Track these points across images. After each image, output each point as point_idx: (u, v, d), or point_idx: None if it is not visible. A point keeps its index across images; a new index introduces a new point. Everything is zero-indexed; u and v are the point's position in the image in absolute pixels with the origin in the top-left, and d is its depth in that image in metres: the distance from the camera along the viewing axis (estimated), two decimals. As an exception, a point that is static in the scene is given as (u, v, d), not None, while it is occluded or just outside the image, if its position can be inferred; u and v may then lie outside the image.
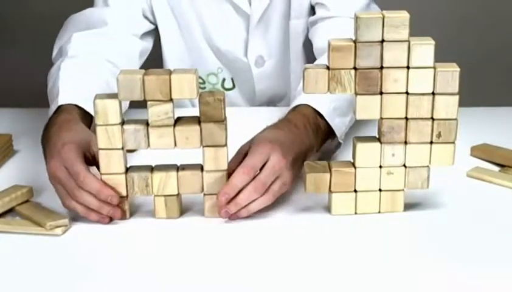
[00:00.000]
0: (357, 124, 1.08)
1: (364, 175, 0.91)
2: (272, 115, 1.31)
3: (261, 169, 0.91)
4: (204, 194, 0.92)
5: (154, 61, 1.40)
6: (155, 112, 0.88)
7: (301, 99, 1.03)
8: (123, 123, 0.89)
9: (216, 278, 0.79)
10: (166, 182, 0.91)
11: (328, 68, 0.87)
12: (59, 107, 1.05)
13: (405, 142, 0.90)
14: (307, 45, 1.36)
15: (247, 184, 0.90)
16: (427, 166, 0.91)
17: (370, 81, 0.87)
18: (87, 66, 1.16)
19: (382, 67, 0.87)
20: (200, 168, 0.91)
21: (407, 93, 0.88)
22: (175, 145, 0.89)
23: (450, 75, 0.87)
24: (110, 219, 0.91)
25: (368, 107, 0.89)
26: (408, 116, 0.89)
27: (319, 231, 0.90)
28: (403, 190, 0.92)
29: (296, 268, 0.81)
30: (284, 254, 0.84)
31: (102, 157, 0.89)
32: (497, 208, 0.95)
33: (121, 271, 0.81)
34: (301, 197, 0.95)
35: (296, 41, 1.36)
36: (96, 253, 0.85)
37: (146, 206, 0.94)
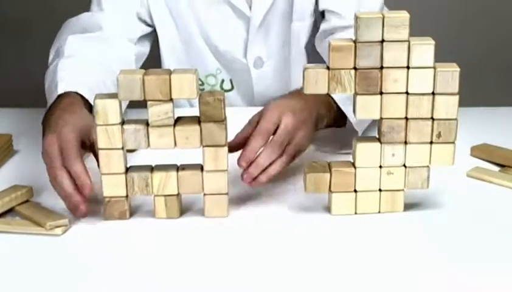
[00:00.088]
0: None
1: (364, 175, 0.91)
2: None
3: (274, 134, 0.94)
4: (204, 194, 0.92)
5: (154, 61, 1.40)
6: (155, 112, 0.88)
7: None
8: (123, 123, 0.89)
9: (216, 278, 0.79)
10: (166, 182, 0.91)
11: (328, 68, 0.87)
12: (61, 95, 1.06)
13: (405, 142, 0.90)
14: (309, 47, 1.36)
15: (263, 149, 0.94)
16: (427, 166, 0.91)
17: (370, 81, 0.87)
18: (84, 64, 1.17)
19: (382, 67, 0.87)
20: (200, 168, 0.91)
21: (407, 93, 0.88)
22: (175, 145, 0.89)
23: (450, 75, 0.87)
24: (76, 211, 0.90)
25: (368, 107, 0.89)
26: (408, 116, 0.89)
27: (319, 231, 0.90)
28: (403, 190, 0.92)
29: (296, 268, 0.81)
30: (284, 254, 0.84)
31: (102, 157, 0.89)
32: (497, 208, 0.95)
33: (121, 271, 0.81)
34: (301, 197, 0.95)
35: (297, 43, 1.35)
36: (96, 253, 0.85)
37: (146, 206, 0.94)
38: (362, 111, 0.89)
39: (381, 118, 0.89)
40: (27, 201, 0.95)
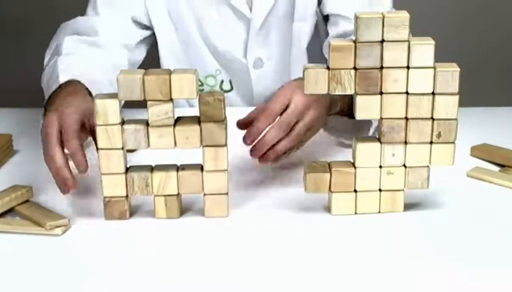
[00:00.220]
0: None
1: (364, 175, 0.91)
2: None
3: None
4: (204, 194, 0.92)
5: (153, 61, 1.40)
6: (155, 112, 0.88)
7: None
8: (123, 123, 0.89)
9: (216, 278, 0.79)
10: (166, 182, 0.91)
11: (328, 68, 0.87)
12: (63, 84, 1.07)
13: (405, 142, 0.90)
14: (311, 47, 1.36)
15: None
16: (427, 166, 0.91)
17: (370, 81, 0.87)
18: (83, 61, 1.19)
19: (382, 67, 0.87)
20: (200, 168, 0.91)
21: (407, 93, 0.88)
22: (175, 145, 0.89)
23: (450, 75, 0.87)
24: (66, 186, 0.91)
25: (368, 107, 0.89)
26: (408, 116, 0.89)
27: (319, 231, 0.90)
28: (403, 190, 0.92)
29: (296, 268, 0.81)
30: (284, 254, 0.84)
31: (102, 157, 0.89)
32: (497, 208, 0.95)
33: (121, 271, 0.81)
34: (301, 197, 0.95)
35: (299, 44, 1.35)
36: (96, 253, 0.85)
37: (146, 206, 0.94)
38: (362, 111, 0.89)
39: (381, 118, 0.89)
40: (27, 201, 0.95)
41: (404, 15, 0.85)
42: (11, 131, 1.17)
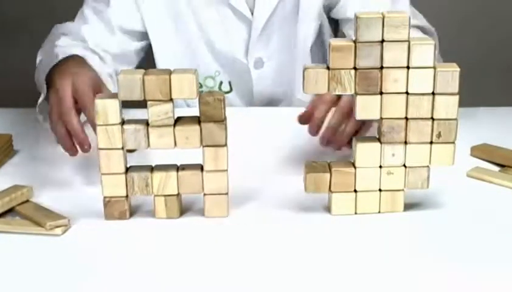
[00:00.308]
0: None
1: (364, 175, 0.91)
2: (272, 115, 1.32)
3: None
4: (204, 194, 0.92)
5: (152, 61, 1.40)
6: (155, 112, 0.88)
7: None
8: (123, 123, 0.89)
9: (216, 278, 0.79)
10: (166, 182, 0.91)
11: (328, 68, 0.87)
12: (63, 60, 1.11)
13: (405, 142, 0.90)
14: (316, 48, 1.36)
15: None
16: (427, 166, 0.91)
17: (370, 81, 0.87)
18: (80, 50, 1.22)
19: (382, 67, 0.87)
20: (200, 168, 0.91)
21: (407, 93, 0.88)
22: (175, 145, 0.89)
23: (450, 75, 0.87)
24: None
25: (368, 107, 0.89)
26: (408, 116, 0.89)
27: (319, 231, 0.90)
28: (403, 190, 0.92)
29: (296, 268, 0.81)
30: (284, 254, 0.84)
31: (102, 157, 0.89)
32: (497, 208, 0.95)
33: (121, 271, 0.81)
34: (301, 197, 0.95)
35: (303, 45, 1.35)
36: (96, 253, 0.85)
37: (146, 206, 0.94)
38: (362, 111, 0.89)
39: (381, 118, 0.89)
40: (27, 201, 0.95)
41: (404, 15, 0.86)
42: (11, 131, 1.17)
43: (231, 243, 0.87)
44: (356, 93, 0.88)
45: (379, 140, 0.90)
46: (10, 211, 0.94)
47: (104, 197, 0.91)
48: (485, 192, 1.00)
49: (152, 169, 0.91)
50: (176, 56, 1.37)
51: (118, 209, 0.92)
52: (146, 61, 1.41)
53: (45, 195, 0.98)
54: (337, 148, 1.03)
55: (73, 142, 1.00)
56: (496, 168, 1.07)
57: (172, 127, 0.88)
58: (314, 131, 1.02)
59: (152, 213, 0.93)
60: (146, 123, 0.89)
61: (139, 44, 1.37)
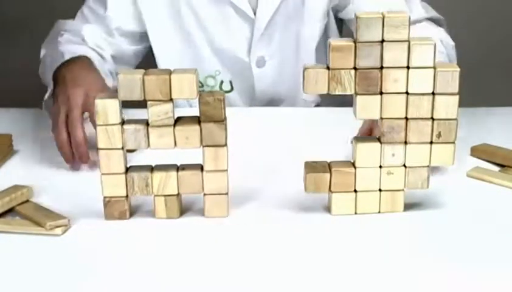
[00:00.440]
0: (357, 124, 1.08)
1: (364, 175, 0.91)
2: (273, 115, 1.32)
3: None
4: (204, 194, 0.92)
5: (152, 61, 1.40)
6: (155, 112, 0.88)
7: None
8: (123, 123, 0.89)
9: (216, 278, 0.79)
10: (166, 182, 0.91)
11: (328, 68, 0.87)
12: (71, 59, 1.15)
13: (405, 142, 0.90)
14: (321, 48, 1.36)
15: None
16: (427, 166, 0.91)
17: (370, 81, 0.87)
18: (83, 49, 1.26)
19: (382, 67, 0.87)
20: (200, 168, 0.91)
21: (407, 93, 0.88)
22: (175, 145, 0.89)
23: (450, 75, 0.87)
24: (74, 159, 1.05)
25: (368, 107, 0.89)
26: (408, 116, 0.89)
27: (319, 231, 0.90)
28: (403, 190, 0.92)
29: (296, 268, 0.81)
30: (284, 254, 0.84)
31: (102, 157, 0.89)
32: (497, 208, 0.95)
33: (121, 271, 0.81)
34: (301, 197, 0.95)
35: (308, 45, 1.36)
36: (96, 253, 0.85)
37: (146, 206, 0.94)
38: (362, 111, 0.89)
39: (381, 118, 0.89)
40: (27, 201, 0.95)
41: (404, 15, 0.85)
42: (11, 131, 1.17)
43: (231, 243, 0.87)
44: (356, 93, 0.88)
45: (379, 140, 0.90)
46: (10, 211, 0.94)
47: (104, 197, 0.91)
48: (485, 192, 1.00)
49: (152, 169, 0.91)
50: (176, 55, 1.37)
51: (118, 209, 0.92)
52: (146, 61, 1.41)
53: (45, 195, 0.98)
54: None
55: (73, 152, 1.05)
56: (496, 168, 1.07)
57: (172, 127, 0.88)
58: None
59: (152, 213, 0.93)
60: (146, 123, 0.89)
61: (138, 46, 1.37)
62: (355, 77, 0.87)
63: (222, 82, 1.39)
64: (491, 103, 1.35)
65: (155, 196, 0.92)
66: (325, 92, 0.88)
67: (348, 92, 0.88)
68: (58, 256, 0.85)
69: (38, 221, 0.89)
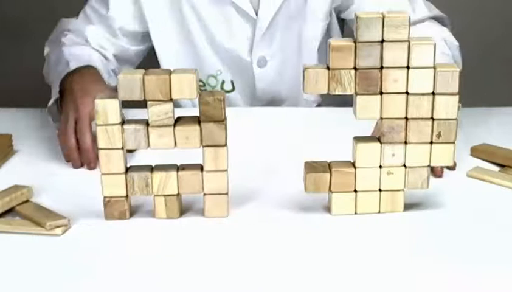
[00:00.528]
0: (358, 124, 1.08)
1: (364, 175, 0.91)
2: (273, 115, 1.32)
3: None
4: (204, 194, 0.92)
5: (154, 61, 1.40)
6: (155, 112, 0.88)
7: None
8: (123, 123, 0.89)
9: (216, 278, 0.79)
10: (166, 182, 0.91)
11: (328, 68, 0.87)
12: (78, 69, 1.17)
13: (405, 142, 0.90)
14: (323, 49, 1.36)
15: None
16: (427, 166, 0.91)
17: (370, 81, 0.87)
18: (87, 52, 1.27)
19: (382, 67, 0.87)
20: (200, 168, 0.91)
21: (407, 93, 0.88)
22: (175, 145, 0.89)
23: (450, 75, 0.87)
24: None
25: (368, 107, 0.89)
26: (408, 116, 0.89)
27: (319, 231, 0.90)
28: (403, 190, 0.92)
29: (296, 268, 0.81)
30: (284, 254, 0.84)
31: (102, 157, 0.89)
32: (497, 208, 0.95)
33: (121, 271, 0.81)
34: (301, 197, 0.95)
35: (310, 45, 1.36)
36: (96, 254, 0.85)
37: (146, 206, 0.94)
38: (362, 111, 0.89)
39: (381, 118, 0.89)
40: (27, 201, 0.95)
41: (404, 15, 0.85)
42: (11, 131, 1.17)
43: (231, 243, 0.87)
44: (356, 93, 0.88)
45: (379, 140, 0.90)
46: (10, 211, 0.94)
47: (104, 197, 0.91)
48: (485, 192, 1.00)
49: (152, 169, 0.91)
50: (178, 55, 1.38)
51: (118, 209, 0.92)
52: (148, 60, 1.41)
53: (45, 195, 0.98)
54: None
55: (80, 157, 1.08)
56: (496, 168, 1.07)
57: (172, 127, 0.88)
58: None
59: (152, 213, 0.93)
60: (146, 123, 0.89)
61: (140, 46, 1.38)
62: (355, 77, 0.87)
63: (223, 82, 1.40)
64: (491, 103, 1.35)
65: (155, 196, 0.92)
66: (324, 92, 0.88)
67: (348, 92, 0.88)
68: (58, 256, 0.85)
69: (38, 221, 0.89)
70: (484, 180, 1.03)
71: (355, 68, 0.87)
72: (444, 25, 1.37)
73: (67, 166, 1.08)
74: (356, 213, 0.93)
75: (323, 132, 1.18)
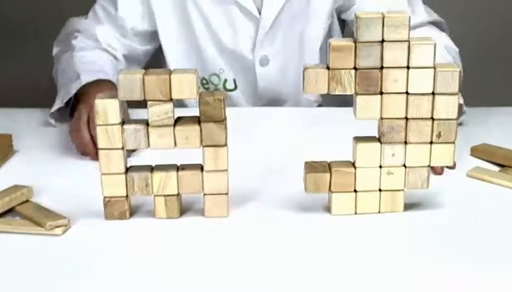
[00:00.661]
0: (359, 124, 1.08)
1: (364, 175, 0.91)
2: (273, 115, 1.32)
3: None
4: (204, 194, 0.92)
5: (155, 61, 1.41)
6: (155, 112, 0.88)
7: None
8: (123, 123, 0.89)
9: (216, 278, 0.79)
10: (166, 182, 0.91)
11: (328, 68, 0.87)
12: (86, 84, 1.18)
13: (405, 142, 0.90)
14: (324, 49, 1.36)
15: None
16: (427, 166, 0.91)
17: (370, 81, 0.87)
18: (96, 57, 1.28)
19: (382, 67, 0.87)
20: (200, 168, 0.91)
21: (407, 93, 0.88)
22: (175, 145, 0.89)
23: (450, 75, 0.87)
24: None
25: (368, 107, 0.89)
26: (408, 116, 0.89)
27: (319, 231, 0.90)
28: (403, 190, 0.92)
29: (296, 268, 0.81)
30: (284, 254, 0.84)
31: (102, 157, 0.89)
32: (497, 208, 0.95)
33: (121, 271, 0.81)
34: (301, 197, 0.95)
35: (312, 45, 1.36)
36: (96, 254, 0.85)
37: (146, 206, 0.94)
38: (362, 111, 0.89)
39: (381, 118, 0.89)
40: (27, 201, 0.95)
41: (404, 15, 0.85)
42: (11, 131, 1.17)
43: (231, 243, 0.87)
44: (356, 93, 0.88)
45: (379, 140, 0.90)
46: (10, 211, 0.94)
47: (104, 197, 0.91)
48: (485, 192, 1.00)
49: (152, 169, 0.91)
50: (183, 54, 1.39)
51: (118, 209, 0.92)
52: (154, 60, 1.42)
53: (45, 195, 0.98)
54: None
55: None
56: (496, 168, 1.07)
57: (172, 127, 0.88)
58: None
59: (152, 213, 0.93)
60: (146, 123, 0.89)
61: (148, 46, 1.39)
62: (355, 77, 0.87)
63: (226, 80, 1.40)
64: (490, 103, 1.35)
65: (155, 196, 0.92)
66: (324, 92, 0.88)
67: (348, 92, 0.88)
68: (58, 256, 0.85)
69: (38, 221, 0.89)
70: (484, 180, 1.03)
71: (355, 68, 0.87)
72: (442, 30, 1.37)
73: (67, 166, 1.08)
74: (356, 213, 0.93)
75: (323, 132, 1.18)
